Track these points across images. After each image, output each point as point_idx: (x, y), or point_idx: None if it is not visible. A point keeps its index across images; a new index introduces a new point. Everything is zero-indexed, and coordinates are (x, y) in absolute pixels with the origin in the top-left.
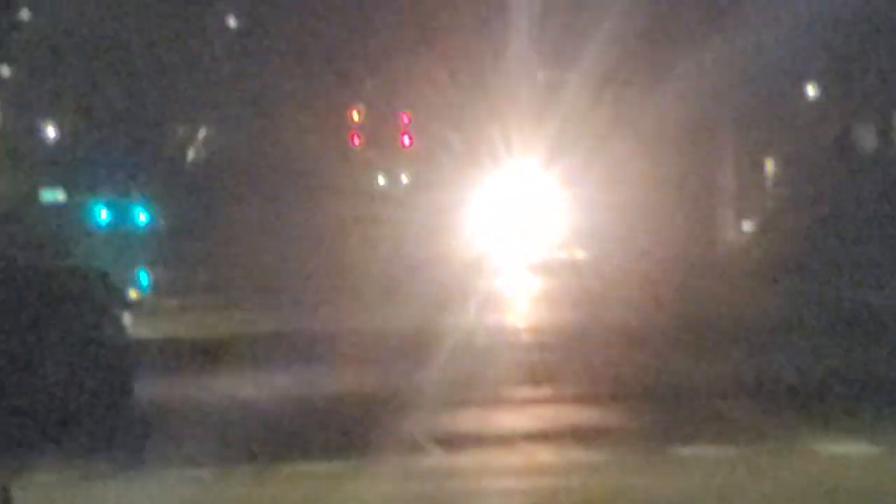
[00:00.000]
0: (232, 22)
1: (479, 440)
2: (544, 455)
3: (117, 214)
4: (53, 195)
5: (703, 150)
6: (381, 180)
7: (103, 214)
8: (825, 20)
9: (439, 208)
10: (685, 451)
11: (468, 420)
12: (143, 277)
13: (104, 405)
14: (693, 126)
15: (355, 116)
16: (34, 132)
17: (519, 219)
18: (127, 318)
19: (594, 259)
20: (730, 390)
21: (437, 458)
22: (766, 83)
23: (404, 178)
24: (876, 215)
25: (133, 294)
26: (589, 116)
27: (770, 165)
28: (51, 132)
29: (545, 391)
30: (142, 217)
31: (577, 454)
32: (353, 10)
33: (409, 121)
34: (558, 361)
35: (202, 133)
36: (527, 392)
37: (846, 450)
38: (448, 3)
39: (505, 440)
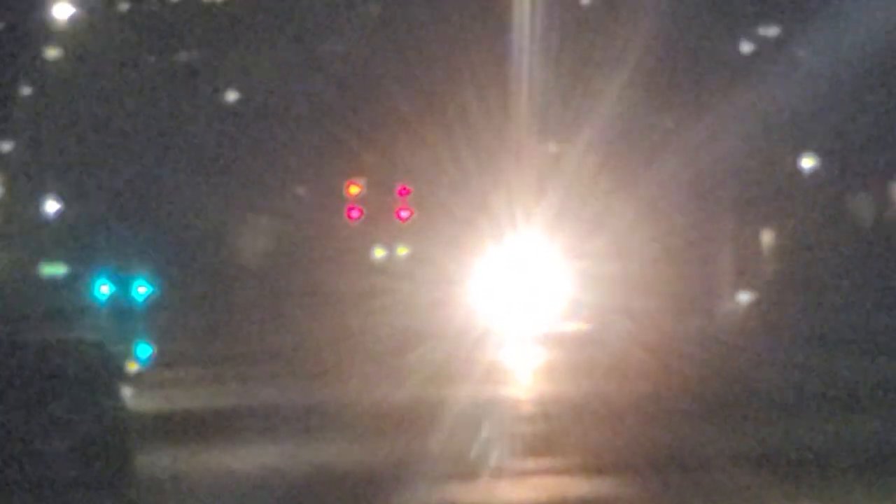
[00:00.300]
0: (230, 96)
1: None
2: None
3: (117, 288)
4: (55, 269)
5: (702, 222)
6: (380, 252)
7: (103, 288)
8: (822, 92)
9: (440, 280)
10: None
11: (470, 491)
12: (143, 350)
13: (103, 478)
14: (691, 198)
15: (353, 189)
16: (36, 207)
17: (522, 290)
18: (126, 391)
19: (596, 330)
20: (730, 461)
21: None
22: (764, 155)
23: (403, 251)
24: (873, 285)
25: (132, 367)
26: (590, 189)
27: (767, 237)
28: (52, 207)
29: (547, 462)
30: (141, 290)
31: None
32: (352, 84)
33: (408, 193)
34: (560, 432)
35: (201, 206)
36: (529, 463)
37: None
38: (447, 75)
39: None
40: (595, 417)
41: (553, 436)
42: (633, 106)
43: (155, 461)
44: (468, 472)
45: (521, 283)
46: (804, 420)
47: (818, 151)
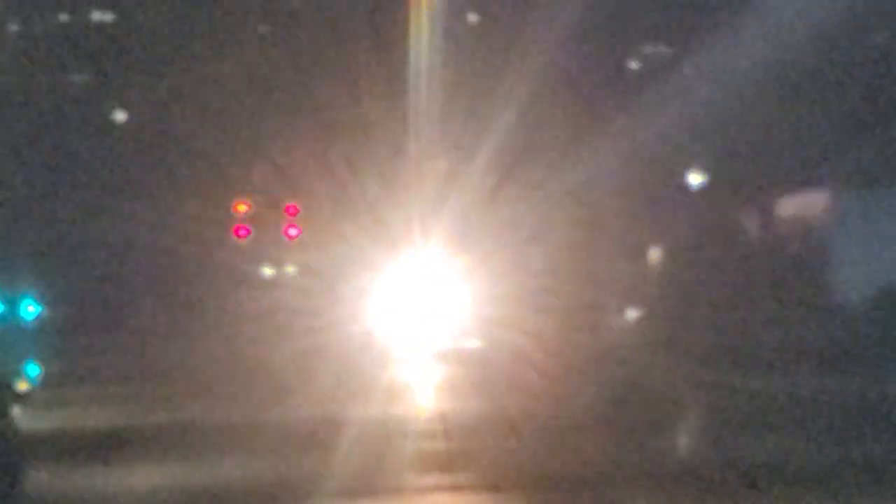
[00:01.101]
0: (119, 115)
1: None
2: None
3: (5, 307)
4: None
5: (591, 238)
6: (268, 271)
7: None
8: (709, 109)
9: (333, 298)
10: None
11: None
12: (32, 369)
13: None
14: (581, 215)
15: (241, 207)
16: None
17: (418, 308)
18: (16, 411)
19: (491, 347)
20: (629, 476)
21: None
22: (652, 171)
23: (290, 269)
24: (760, 301)
25: (22, 386)
26: (485, 205)
27: (655, 253)
28: None
29: (447, 479)
30: (30, 309)
31: None
32: (242, 101)
33: (297, 212)
34: (460, 449)
35: (91, 224)
36: (428, 480)
37: None
38: (341, 92)
39: None
40: (494, 434)
41: (453, 453)
42: (528, 123)
43: (45, 481)
44: (367, 490)
45: (417, 301)
46: (701, 435)
47: (706, 167)
